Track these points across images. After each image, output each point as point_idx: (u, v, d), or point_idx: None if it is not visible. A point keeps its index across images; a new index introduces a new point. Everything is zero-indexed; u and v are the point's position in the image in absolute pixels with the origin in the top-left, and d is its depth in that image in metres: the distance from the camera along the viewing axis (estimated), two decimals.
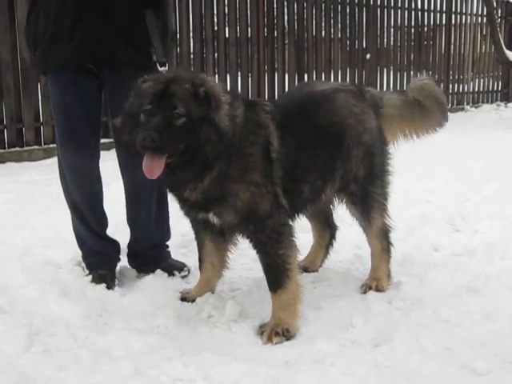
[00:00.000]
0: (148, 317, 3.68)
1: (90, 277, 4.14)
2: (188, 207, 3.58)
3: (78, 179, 4.16)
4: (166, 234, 4.48)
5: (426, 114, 4.14)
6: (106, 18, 3.89)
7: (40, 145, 9.25)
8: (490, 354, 3.13)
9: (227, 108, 3.30)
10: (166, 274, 4.23)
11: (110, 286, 4.05)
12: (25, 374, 2.97)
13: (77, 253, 4.48)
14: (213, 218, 3.51)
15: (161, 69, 3.73)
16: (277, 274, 3.49)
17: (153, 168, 3.18)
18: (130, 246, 4.44)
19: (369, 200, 3.99)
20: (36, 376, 2.98)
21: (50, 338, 3.36)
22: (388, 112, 4.10)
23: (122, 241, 4.43)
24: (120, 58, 3.94)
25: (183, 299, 3.92)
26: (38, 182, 7.31)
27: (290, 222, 3.63)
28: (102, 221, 4.30)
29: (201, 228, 3.82)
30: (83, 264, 4.33)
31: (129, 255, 4.45)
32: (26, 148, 9.11)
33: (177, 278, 4.27)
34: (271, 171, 3.45)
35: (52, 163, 8.53)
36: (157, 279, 4.15)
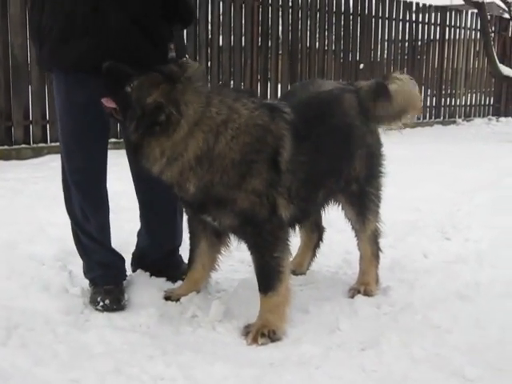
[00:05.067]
0: (130, 315, 3.60)
1: (95, 296, 3.75)
2: (185, 206, 3.57)
3: (82, 185, 3.79)
4: (181, 236, 4.23)
5: None
6: (124, 8, 3.52)
7: (29, 144, 9.13)
8: (481, 361, 3.06)
9: (181, 138, 3.26)
10: (148, 273, 4.09)
11: (119, 302, 3.71)
12: (1, 367, 2.89)
13: (61, 249, 4.42)
14: (209, 218, 3.49)
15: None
16: (269, 276, 3.43)
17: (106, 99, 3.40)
18: (143, 255, 4.19)
19: (366, 201, 3.98)
20: (13, 370, 2.90)
21: (29, 333, 3.28)
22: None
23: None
24: (139, 55, 3.53)
25: (167, 298, 3.82)
26: (26, 180, 7.20)
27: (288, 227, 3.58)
28: (106, 231, 3.94)
29: (198, 227, 3.76)
30: (87, 282, 3.95)
31: (141, 266, 4.16)
32: (14, 146, 8.99)
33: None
34: (277, 181, 3.40)
35: (40, 163, 8.52)
36: (141, 278, 4.04)
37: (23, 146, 9.07)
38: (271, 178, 3.37)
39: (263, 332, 3.31)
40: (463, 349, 3.19)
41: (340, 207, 4.06)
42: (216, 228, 3.59)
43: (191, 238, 3.88)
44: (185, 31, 10.22)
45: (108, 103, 3.41)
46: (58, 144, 3.98)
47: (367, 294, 3.93)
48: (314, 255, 4.43)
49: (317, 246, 4.42)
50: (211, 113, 3.31)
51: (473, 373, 2.93)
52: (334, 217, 4.28)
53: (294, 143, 3.45)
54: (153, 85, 3.25)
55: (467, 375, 2.92)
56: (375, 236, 4.10)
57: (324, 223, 4.45)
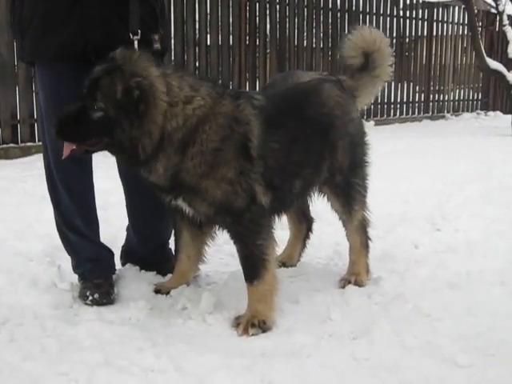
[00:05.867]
0: (120, 309, 3.58)
1: (85, 290, 3.71)
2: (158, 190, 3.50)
3: (69, 181, 3.75)
4: (170, 231, 4.14)
5: None
6: None
7: (17, 143, 9.08)
8: (472, 348, 3.06)
9: (165, 110, 3.20)
10: (138, 267, 4.06)
11: (108, 296, 3.69)
12: None
13: (49, 245, 4.40)
14: (183, 205, 3.43)
15: (133, 37, 3.48)
16: (254, 264, 3.39)
17: (65, 149, 3.29)
18: (132, 251, 4.16)
19: (351, 191, 3.95)
20: (1, 365, 2.87)
21: (17, 328, 3.26)
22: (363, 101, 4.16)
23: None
24: (119, 42, 3.37)
25: (157, 291, 3.80)
26: (14, 179, 7.18)
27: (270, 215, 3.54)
28: (94, 226, 3.91)
29: (179, 217, 3.71)
30: (77, 276, 3.92)
31: (130, 260, 4.14)
32: (2, 146, 8.94)
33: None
34: (249, 168, 3.35)
35: (29, 162, 8.46)
36: (130, 272, 4.02)
37: (11, 145, 9.02)
38: (241, 166, 3.32)
39: (253, 322, 3.29)
40: (454, 336, 3.19)
41: (326, 199, 4.03)
42: (193, 217, 3.53)
43: (175, 229, 3.87)
44: (172, 30, 10.30)
45: (73, 148, 3.30)
46: None
47: (358, 284, 3.92)
48: (304, 246, 4.41)
49: (306, 237, 4.40)
50: (172, 86, 3.25)
51: (464, 359, 2.93)
52: (324, 209, 4.26)
53: (263, 129, 3.39)
54: (109, 88, 3.15)
55: (459, 362, 2.92)
56: (363, 226, 4.08)
57: (313, 215, 4.44)
